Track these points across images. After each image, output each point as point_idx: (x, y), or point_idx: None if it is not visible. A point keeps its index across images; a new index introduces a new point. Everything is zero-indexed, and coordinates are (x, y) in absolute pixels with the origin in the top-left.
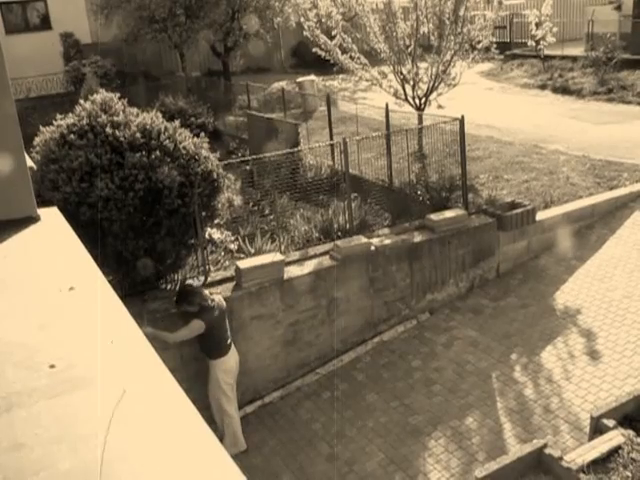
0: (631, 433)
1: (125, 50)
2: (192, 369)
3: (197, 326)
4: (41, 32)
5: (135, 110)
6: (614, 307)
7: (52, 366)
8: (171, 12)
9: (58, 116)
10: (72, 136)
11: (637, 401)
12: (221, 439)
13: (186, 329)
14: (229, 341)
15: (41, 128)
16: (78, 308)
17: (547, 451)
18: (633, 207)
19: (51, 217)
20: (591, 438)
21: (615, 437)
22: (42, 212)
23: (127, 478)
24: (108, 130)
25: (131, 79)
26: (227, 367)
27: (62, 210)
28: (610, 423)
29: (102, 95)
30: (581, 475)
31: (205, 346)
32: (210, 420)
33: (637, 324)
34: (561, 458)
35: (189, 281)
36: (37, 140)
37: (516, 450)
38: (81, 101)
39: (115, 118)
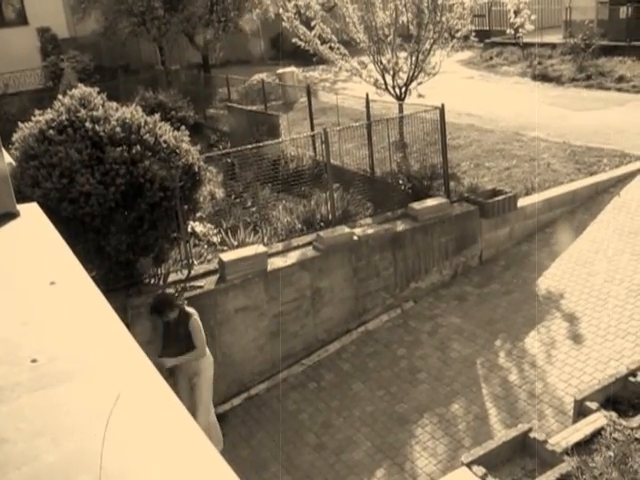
0: (613, 415)
1: (103, 44)
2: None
3: (197, 322)
4: (17, 27)
5: (114, 104)
6: (596, 292)
7: (34, 360)
8: (149, 5)
9: (37, 112)
10: (51, 132)
11: (619, 383)
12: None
13: (197, 334)
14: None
15: (20, 124)
16: (59, 303)
17: (532, 435)
18: (613, 192)
19: (31, 213)
20: (575, 421)
21: (598, 419)
22: (22, 208)
23: (115, 473)
24: (88, 125)
25: (110, 73)
26: (211, 359)
27: (43, 206)
28: (593, 406)
29: (81, 90)
30: (565, 457)
31: (193, 344)
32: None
33: (618, 308)
34: (546, 441)
35: (172, 277)
36: (16, 136)
37: (501, 435)
38: (60, 96)
39: (94, 113)
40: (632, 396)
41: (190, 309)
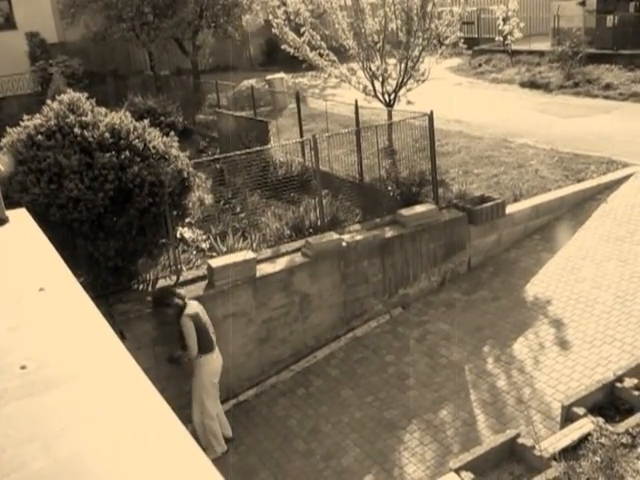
0: (600, 420)
1: (93, 49)
2: (166, 369)
3: (189, 324)
4: (5, 31)
5: (104, 110)
6: (583, 298)
7: (23, 367)
8: (139, 11)
9: (25, 117)
10: (40, 137)
11: (606, 389)
12: (202, 445)
13: (187, 334)
14: (214, 339)
15: (8, 129)
16: (48, 309)
17: (520, 440)
18: (600, 199)
19: (19, 219)
20: (562, 426)
21: (585, 425)
22: (10, 214)
23: (102, 477)
24: (76, 130)
25: (99, 79)
26: (214, 367)
27: (31, 212)
28: (580, 411)
29: (70, 95)
30: (553, 462)
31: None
32: (185, 420)
33: (605, 314)
34: (533, 447)
35: (161, 283)
36: (4, 141)
37: (490, 441)
38: (48, 101)
39: (83, 118)
40: (618, 402)
41: (190, 306)
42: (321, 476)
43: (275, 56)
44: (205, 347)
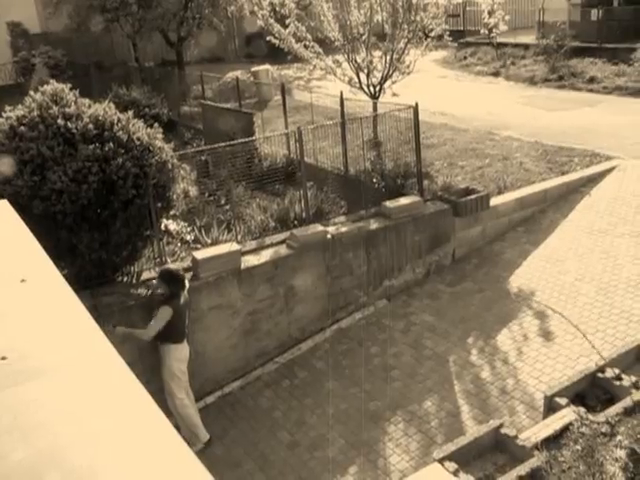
0: (582, 410)
1: (76, 40)
2: (150, 362)
3: (166, 314)
4: None
5: (87, 101)
6: (566, 289)
7: (4, 358)
8: (123, 1)
9: (7, 107)
10: (22, 128)
11: (588, 380)
12: (185, 437)
13: (157, 320)
14: (187, 331)
15: None
16: (30, 300)
17: (503, 431)
18: (584, 191)
19: (1, 210)
20: (545, 416)
21: (567, 415)
22: None
23: (85, 470)
24: (60, 122)
25: (83, 70)
26: (182, 355)
27: (14, 204)
28: (563, 401)
29: (53, 86)
30: (535, 452)
31: (165, 332)
32: (168, 412)
33: (588, 305)
34: (516, 437)
35: (146, 275)
36: None
37: (473, 431)
38: (31, 92)
39: (67, 109)
40: (600, 392)
41: (181, 298)
42: (306, 467)
43: (260, 47)
44: (178, 337)
